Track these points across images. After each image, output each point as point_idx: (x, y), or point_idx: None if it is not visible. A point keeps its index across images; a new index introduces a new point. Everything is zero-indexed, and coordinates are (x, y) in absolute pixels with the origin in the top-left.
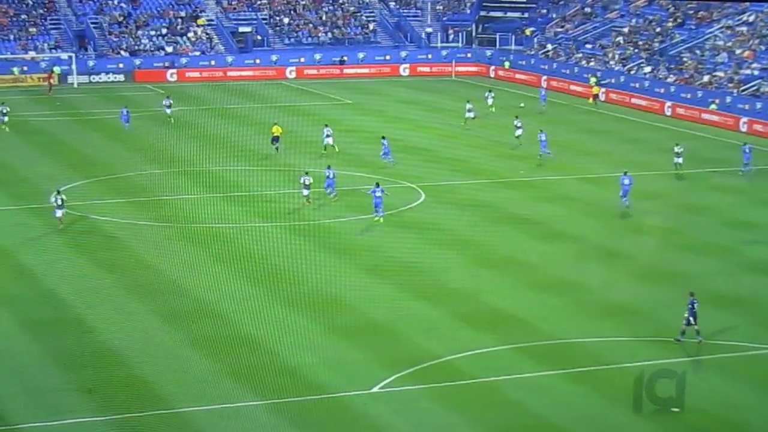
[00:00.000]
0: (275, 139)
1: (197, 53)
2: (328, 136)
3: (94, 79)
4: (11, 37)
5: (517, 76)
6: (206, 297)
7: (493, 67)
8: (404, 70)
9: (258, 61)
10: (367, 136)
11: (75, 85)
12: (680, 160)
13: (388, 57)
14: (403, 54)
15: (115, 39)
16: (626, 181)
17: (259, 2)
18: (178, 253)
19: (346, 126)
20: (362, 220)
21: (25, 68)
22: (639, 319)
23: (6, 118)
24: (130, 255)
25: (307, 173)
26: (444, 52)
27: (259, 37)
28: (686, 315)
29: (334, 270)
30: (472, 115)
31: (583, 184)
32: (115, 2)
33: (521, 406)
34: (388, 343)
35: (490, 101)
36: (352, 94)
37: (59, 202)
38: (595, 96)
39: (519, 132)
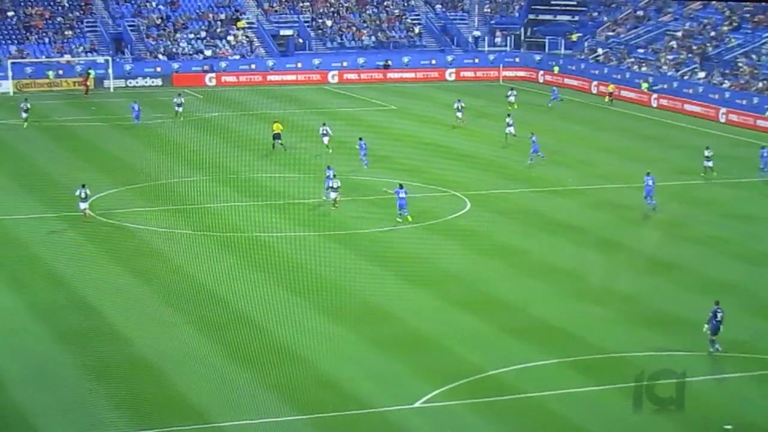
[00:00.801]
0: (277, 137)
1: (237, 57)
2: (324, 135)
3: (130, 83)
4: (46, 40)
5: (567, 81)
6: (245, 307)
7: (541, 72)
8: (450, 74)
9: (300, 65)
10: (411, 142)
11: (111, 90)
12: (710, 163)
13: (433, 61)
14: (450, 58)
15: (152, 42)
16: (650, 182)
17: (301, 5)
18: (217, 262)
19: (390, 132)
20: (406, 228)
21: (61, 72)
22: (690, 332)
23: (25, 115)
24: (167, 264)
25: (334, 176)
26: (491, 57)
27: (300, 41)
28: (708, 325)
29: (376, 279)
30: (512, 130)
31: (634, 192)
32: (153, 4)
33: (568, 422)
34: (431, 355)
35: (512, 99)
36: (397, 99)
37: (83, 195)
38: (611, 94)
39: (510, 129)
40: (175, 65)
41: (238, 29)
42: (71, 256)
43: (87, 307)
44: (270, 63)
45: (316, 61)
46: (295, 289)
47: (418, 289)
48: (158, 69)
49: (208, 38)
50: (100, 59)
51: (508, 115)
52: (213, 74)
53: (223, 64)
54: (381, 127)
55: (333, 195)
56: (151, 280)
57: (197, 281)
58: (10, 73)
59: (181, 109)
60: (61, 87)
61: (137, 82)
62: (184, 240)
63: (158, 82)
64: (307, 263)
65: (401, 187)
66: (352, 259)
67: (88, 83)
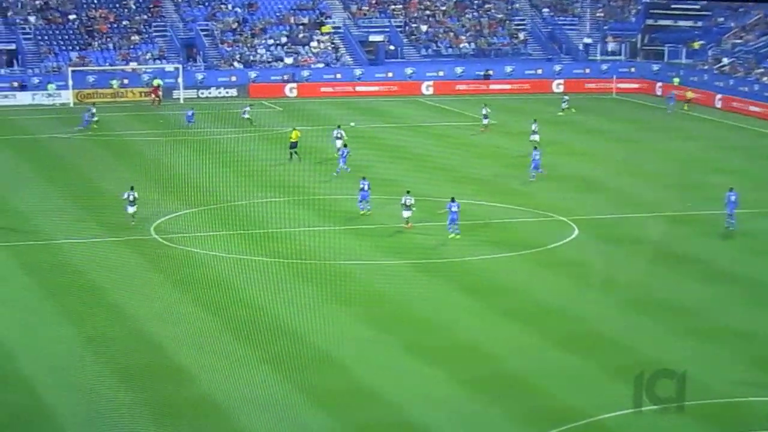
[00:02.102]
0: (293, 145)
1: (321, 65)
2: (338, 137)
3: (202, 93)
4: (111, 45)
5: (688, 94)
6: (322, 343)
7: (659, 84)
8: (557, 86)
9: (390, 74)
10: (511, 162)
11: (181, 101)
12: None
13: (539, 71)
14: (557, 68)
15: (227, 49)
16: (732, 198)
17: (392, 8)
18: (293, 293)
19: (485, 150)
20: (504, 258)
21: (126, 81)
22: None
23: (95, 118)
24: (237, 294)
25: (408, 192)
26: (604, 66)
27: (392, 47)
28: None
29: (469, 314)
30: (536, 138)
31: (758, 218)
32: (229, 7)
33: None
34: (529, 398)
35: (564, 105)
36: (497, 113)
37: (131, 199)
38: (689, 101)
39: (535, 137)
40: (252, 74)
41: (322, 34)
42: (132, 284)
43: (148, 341)
44: (357, 72)
45: (409, 71)
46: (380, 324)
47: (515, 325)
48: (233, 78)
49: (289, 44)
50: (170, 67)
51: (534, 121)
52: (294, 84)
53: (305, 74)
54: (475, 145)
55: (407, 214)
56: (220, 312)
57: (271, 314)
58: (70, 82)
59: (247, 115)
60: (125, 98)
61: (210, 93)
62: (256, 268)
63: (233, 92)
64: (392, 295)
65: (453, 200)
66: (442, 291)
67: (158, 94)
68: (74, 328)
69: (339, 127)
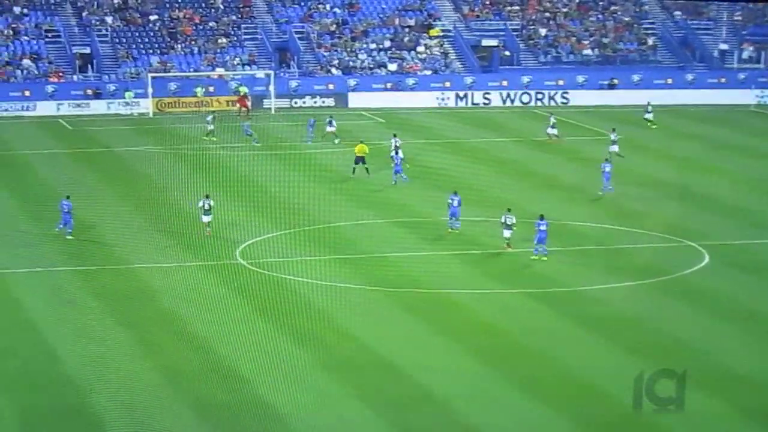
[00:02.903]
0: (360, 160)
1: (428, 72)
2: (397, 148)
3: (296, 103)
4: (196, 49)
5: None
6: (426, 379)
7: None
8: (690, 96)
9: (505, 83)
10: (632, 179)
11: (272, 111)
12: None
13: (669, 80)
14: (690, 77)
15: (324, 53)
16: None
17: (508, 9)
18: (393, 325)
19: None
20: (624, 286)
21: (211, 89)
22: None
23: (211, 126)
24: (330, 324)
25: (509, 210)
26: (741, 76)
27: (507, 53)
28: None
29: (585, 348)
30: (555, 131)
31: None
32: (327, 7)
33: None
34: None
35: (648, 116)
36: (622, 127)
37: (206, 207)
38: None
39: (553, 131)
40: (352, 82)
41: (430, 38)
42: (215, 313)
43: (231, 375)
44: (468, 80)
45: (526, 79)
46: (489, 358)
47: (637, 360)
48: (331, 86)
49: (393, 49)
50: (260, 74)
51: (613, 130)
52: (398, 93)
53: (410, 82)
54: (593, 159)
55: (507, 234)
56: (312, 345)
57: (368, 347)
58: (150, 90)
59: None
60: (210, 107)
61: (304, 102)
62: (352, 296)
63: (330, 102)
64: (503, 327)
65: (542, 218)
66: (556, 322)
67: (247, 103)
68: (151, 362)
69: (395, 136)
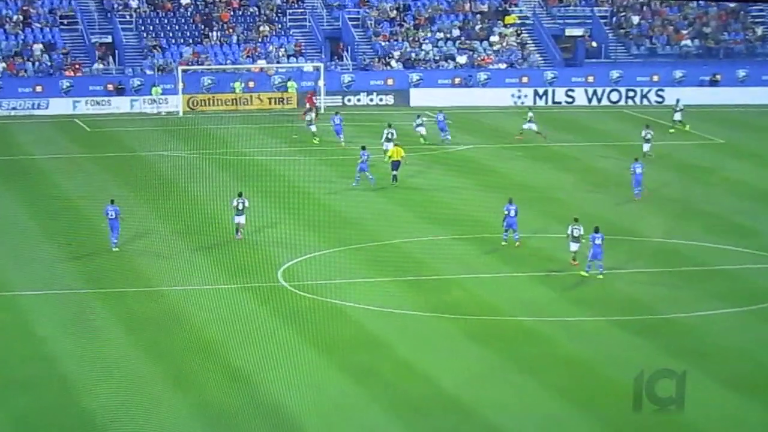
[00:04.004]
0: (396, 166)
1: (503, 66)
2: (389, 140)
3: (349, 101)
4: (234, 39)
5: None
6: (499, 419)
7: None
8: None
9: (591, 78)
10: (740, 190)
11: (322, 110)
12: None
13: None
14: None
15: (383, 43)
16: None
17: None
18: (461, 358)
19: (715, 175)
20: (728, 314)
21: (252, 84)
22: None
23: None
24: (389, 356)
25: (576, 221)
26: None
27: (594, 44)
28: None
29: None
30: (533, 126)
31: None
32: None
33: None
34: None
35: (678, 116)
36: (725, 130)
37: (240, 207)
38: None
39: (531, 126)
40: (415, 77)
41: (505, 27)
42: (255, 342)
43: (274, 413)
44: (549, 76)
45: (615, 74)
46: (570, 396)
47: (740, 398)
48: (390, 81)
49: (462, 39)
50: (309, 67)
51: (647, 126)
52: (467, 90)
53: (482, 76)
54: (699, 167)
55: (574, 247)
56: (367, 379)
57: (432, 382)
58: (180, 85)
59: (422, 130)
60: (250, 105)
61: (359, 100)
62: (412, 323)
63: (389, 99)
64: (585, 359)
65: (597, 231)
66: (651, 354)
67: (314, 102)
68: (183, 396)
69: (390, 126)
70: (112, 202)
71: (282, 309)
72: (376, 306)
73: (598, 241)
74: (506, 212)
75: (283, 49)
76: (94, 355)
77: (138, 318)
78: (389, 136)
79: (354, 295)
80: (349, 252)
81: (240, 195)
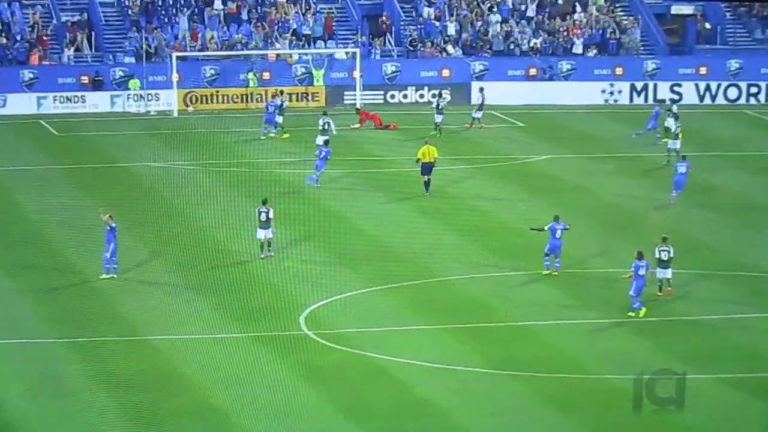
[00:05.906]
0: (427, 170)
1: (591, 54)
2: (324, 129)
3: (392, 97)
4: (244, 16)
5: None
6: None
7: None
8: None
9: (704, 70)
10: None
11: (357, 105)
12: None
13: None
14: None
15: (436, 24)
16: None
17: None
18: (530, 423)
19: None
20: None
21: (267, 75)
22: None
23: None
24: (446, 428)
25: (665, 240)
26: None
27: (707, 26)
28: None
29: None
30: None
31: None
32: None
33: None
34: None
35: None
36: None
37: (264, 218)
38: None
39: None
40: (478, 66)
41: (594, 3)
42: (271, 408)
43: None
44: (650, 66)
45: (734, 65)
46: None
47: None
48: (446, 72)
49: (539, 18)
50: (341, 53)
51: (676, 118)
52: (545, 84)
53: (564, 67)
54: None
55: (662, 273)
56: None
57: None
58: (175, 77)
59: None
60: (264, 102)
61: (405, 96)
62: (477, 385)
63: (446, 94)
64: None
65: (641, 258)
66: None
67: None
68: None
69: (326, 114)
70: (110, 217)
71: (305, 364)
72: (426, 361)
73: (641, 272)
74: (551, 232)
75: (307, 32)
76: (66, 423)
77: (122, 376)
78: (325, 126)
79: (397, 348)
80: (389, 291)
81: (264, 203)
